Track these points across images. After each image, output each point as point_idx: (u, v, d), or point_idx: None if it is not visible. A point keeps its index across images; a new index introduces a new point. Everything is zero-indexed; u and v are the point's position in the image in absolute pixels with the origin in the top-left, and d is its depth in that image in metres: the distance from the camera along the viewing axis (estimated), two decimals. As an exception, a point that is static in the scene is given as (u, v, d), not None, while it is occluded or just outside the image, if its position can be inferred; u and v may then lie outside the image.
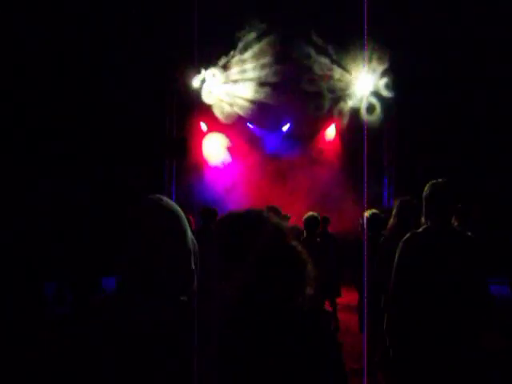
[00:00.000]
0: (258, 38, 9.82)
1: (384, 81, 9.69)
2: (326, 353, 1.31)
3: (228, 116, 10.58)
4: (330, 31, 9.27)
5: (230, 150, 10.98)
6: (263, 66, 10.04)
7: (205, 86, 10.40)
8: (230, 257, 1.32)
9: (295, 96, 10.25)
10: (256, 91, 10.32)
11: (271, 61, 9.98)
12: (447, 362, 2.56)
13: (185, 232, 1.37)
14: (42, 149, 8.62)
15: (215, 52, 10.05)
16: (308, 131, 11.10)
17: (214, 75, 10.32)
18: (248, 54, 10.03)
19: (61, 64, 8.49)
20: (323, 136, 11.30)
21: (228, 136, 10.91)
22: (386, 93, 9.81)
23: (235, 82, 10.40)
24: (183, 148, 10.54)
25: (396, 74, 9.48)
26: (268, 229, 1.33)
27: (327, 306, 6.42)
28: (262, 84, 10.25)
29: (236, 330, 1.29)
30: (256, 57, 10.00)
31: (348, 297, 6.65)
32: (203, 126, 10.96)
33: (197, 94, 10.36)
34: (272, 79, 10.13)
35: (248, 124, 11.03)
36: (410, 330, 2.63)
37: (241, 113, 10.62)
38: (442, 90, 8.91)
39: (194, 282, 1.40)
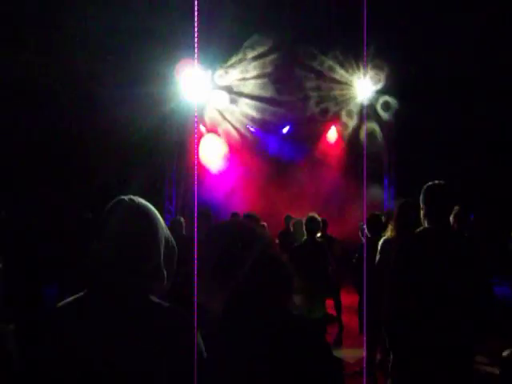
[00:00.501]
0: (259, 48, 9.79)
1: (384, 87, 9.71)
2: (316, 361, 1.32)
3: (228, 130, 10.65)
4: (331, 38, 9.25)
5: (230, 152, 10.97)
6: (264, 79, 10.02)
7: (205, 100, 10.44)
8: (217, 269, 1.33)
9: (296, 99, 10.27)
10: (256, 107, 10.35)
11: (272, 71, 9.96)
12: (448, 364, 2.57)
13: (154, 233, 1.37)
14: (42, 149, 8.62)
15: (215, 61, 10.06)
16: (309, 134, 11.11)
17: (213, 86, 10.32)
18: (248, 65, 10.00)
19: (59, 66, 8.49)
20: (325, 138, 11.29)
21: (228, 138, 10.91)
22: (383, 111, 9.87)
23: (237, 94, 10.41)
24: (181, 150, 10.56)
25: (396, 78, 9.50)
26: (255, 241, 1.35)
27: (330, 308, 6.43)
28: (262, 98, 10.27)
29: (226, 339, 1.30)
30: (257, 67, 9.98)
31: (348, 298, 6.66)
32: (202, 129, 10.96)
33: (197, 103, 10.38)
34: (272, 90, 10.12)
35: (248, 127, 11.03)
36: (409, 331, 2.63)
37: (241, 127, 10.68)
38: (442, 93, 8.92)
39: (164, 282, 1.40)
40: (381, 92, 9.91)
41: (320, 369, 1.31)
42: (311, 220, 5.23)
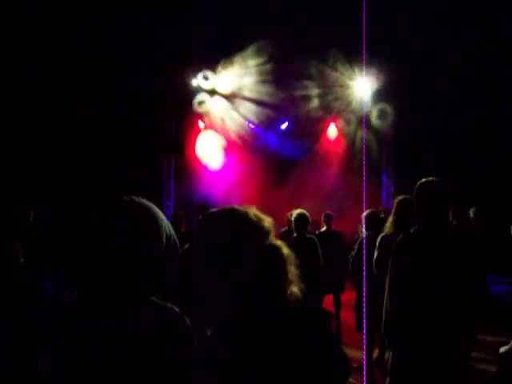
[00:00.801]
0: (257, 51, 9.78)
1: (383, 86, 9.71)
2: (320, 351, 1.30)
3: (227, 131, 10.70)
4: (330, 37, 9.23)
5: (228, 148, 10.93)
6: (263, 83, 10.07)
7: (202, 103, 10.49)
8: (213, 259, 1.32)
9: (294, 96, 10.28)
10: (255, 104, 10.40)
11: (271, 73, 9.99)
12: (446, 361, 2.57)
13: (155, 232, 1.35)
14: (41, 149, 8.61)
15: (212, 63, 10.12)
16: (308, 131, 11.07)
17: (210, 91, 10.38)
18: (247, 64, 10.01)
19: (59, 63, 8.47)
20: (325, 135, 11.25)
21: (227, 135, 10.88)
22: (377, 121, 9.91)
23: (236, 92, 10.44)
24: (179, 146, 10.56)
25: (394, 77, 9.49)
26: (250, 227, 1.33)
27: (329, 305, 6.42)
28: (261, 102, 10.30)
29: (230, 335, 1.29)
30: (256, 66, 9.99)
31: (346, 295, 6.66)
32: (201, 124, 10.92)
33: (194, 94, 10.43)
34: (271, 88, 10.15)
35: (248, 123, 10.98)
36: (409, 329, 2.63)
37: (240, 124, 10.70)
38: (441, 91, 8.93)
39: (166, 281, 1.39)
40: (380, 90, 9.91)
41: (325, 360, 1.30)
42: (300, 217, 5.11)
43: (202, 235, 1.38)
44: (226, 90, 10.52)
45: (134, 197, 1.40)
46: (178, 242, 1.44)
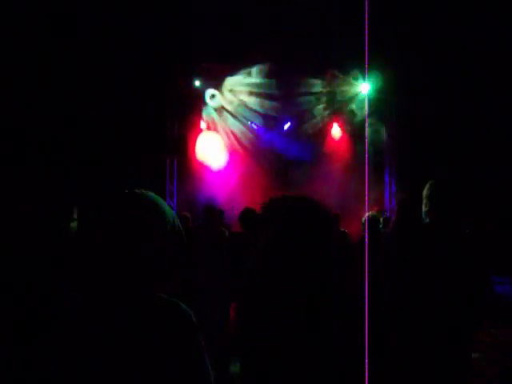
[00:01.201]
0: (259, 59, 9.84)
1: (386, 85, 9.71)
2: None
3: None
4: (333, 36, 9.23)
5: (231, 149, 10.92)
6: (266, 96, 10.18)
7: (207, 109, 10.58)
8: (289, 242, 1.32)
9: (296, 96, 10.29)
10: (258, 105, 10.48)
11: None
12: (447, 361, 2.56)
13: (158, 222, 1.33)
14: (41, 148, 8.60)
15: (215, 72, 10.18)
16: (312, 131, 11.05)
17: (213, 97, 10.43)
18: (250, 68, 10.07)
19: (59, 63, 8.48)
20: (329, 136, 11.21)
21: (228, 135, 10.87)
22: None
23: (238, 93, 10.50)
24: (182, 147, 10.58)
25: (396, 74, 9.48)
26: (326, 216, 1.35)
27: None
28: (264, 97, 10.36)
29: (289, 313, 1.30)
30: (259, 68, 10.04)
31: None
32: (203, 125, 10.92)
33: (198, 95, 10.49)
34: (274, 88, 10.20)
35: (250, 123, 10.98)
36: (409, 328, 2.63)
37: (243, 125, 10.75)
38: (442, 89, 8.91)
39: (170, 274, 1.37)
40: (381, 89, 9.91)
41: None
42: None
43: (287, 218, 1.41)
44: (231, 107, 10.67)
45: (136, 189, 1.37)
46: (183, 231, 1.41)
